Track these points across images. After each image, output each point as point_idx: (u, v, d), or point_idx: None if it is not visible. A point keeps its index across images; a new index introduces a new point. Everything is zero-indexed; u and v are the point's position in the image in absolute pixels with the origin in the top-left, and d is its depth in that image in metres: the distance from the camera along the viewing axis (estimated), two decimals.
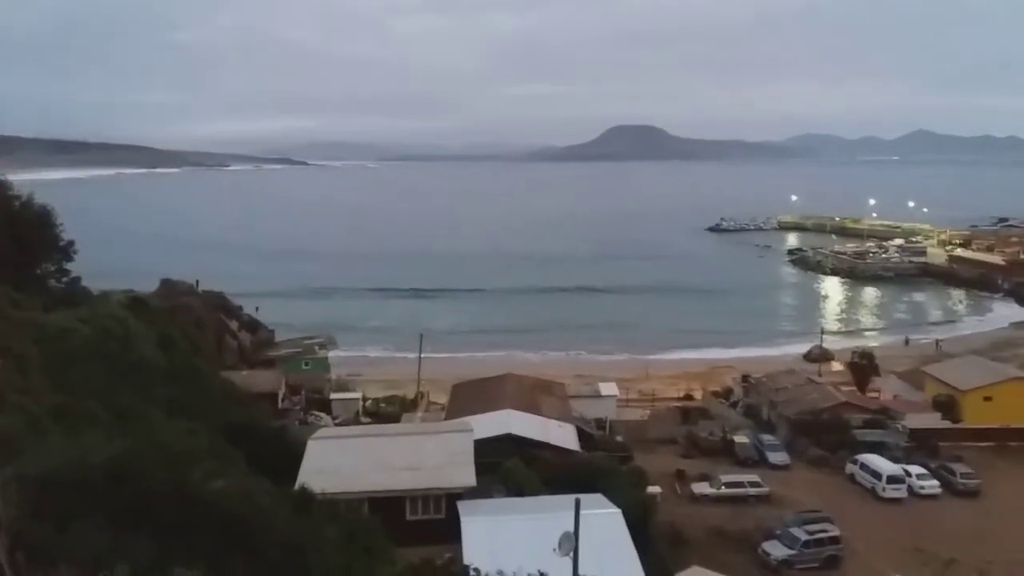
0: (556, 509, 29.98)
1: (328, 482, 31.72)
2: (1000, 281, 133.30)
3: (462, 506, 33.47)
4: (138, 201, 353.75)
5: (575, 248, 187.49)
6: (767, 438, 54.43)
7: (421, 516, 34.49)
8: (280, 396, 59.20)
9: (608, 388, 61.48)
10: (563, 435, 45.76)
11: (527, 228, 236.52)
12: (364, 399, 63.33)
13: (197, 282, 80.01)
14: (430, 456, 36.42)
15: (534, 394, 52.43)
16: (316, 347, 73.09)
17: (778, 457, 51.59)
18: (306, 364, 69.87)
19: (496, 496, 35.75)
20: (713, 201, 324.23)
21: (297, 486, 29.15)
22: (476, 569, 22.49)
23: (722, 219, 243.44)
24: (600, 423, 55.66)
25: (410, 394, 63.72)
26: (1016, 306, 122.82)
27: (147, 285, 70.71)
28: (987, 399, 57.46)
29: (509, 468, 37.98)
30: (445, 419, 49.29)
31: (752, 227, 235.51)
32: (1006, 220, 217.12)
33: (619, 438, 53.51)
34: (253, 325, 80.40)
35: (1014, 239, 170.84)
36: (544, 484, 36.96)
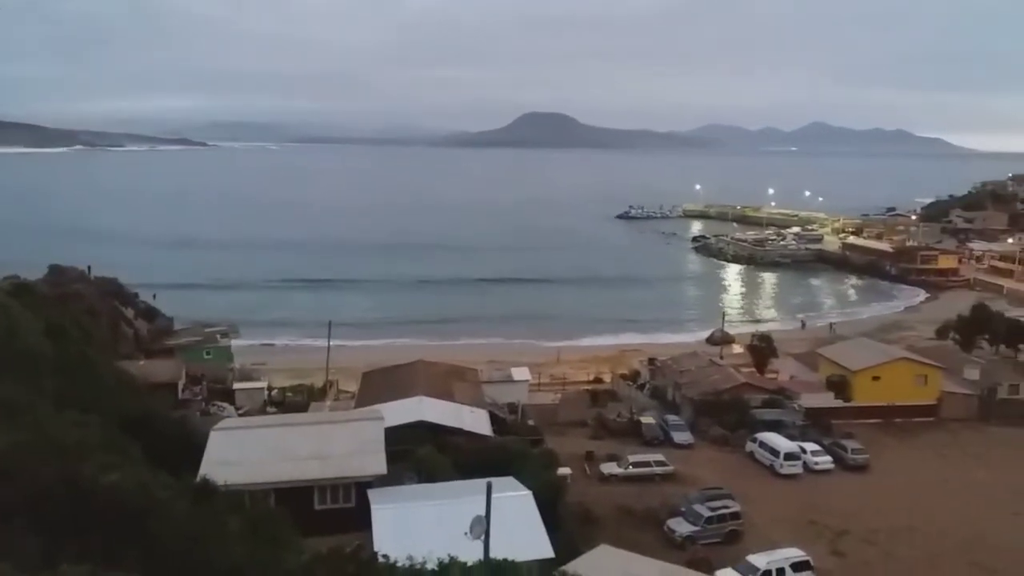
0: (468, 494, 30.10)
1: (232, 473, 30.73)
2: (888, 267, 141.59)
3: (373, 494, 33.13)
4: (23, 183, 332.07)
5: (488, 236, 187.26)
6: (672, 418, 56.12)
7: (330, 505, 33.94)
8: (180, 386, 56.85)
9: (520, 373, 61.88)
10: (476, 420, 45.81)
11: (439, 215, 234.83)
12: (270, 388, 61.55)
13: (89, 268, 75.77)
14: (339, 445, 35.81)
15: (446, 380, 52.24)
16: (218, 336, 70.47)
17: (682, 437, 53.29)
18: (207, 353, 67.29)
19: (408, 483, 35.50)
20: (622, 189, 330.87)
21: (198, 478, 28.15)
22: (385, 555, 22.31)
23: (631, 207, 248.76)
24: (512, 408, 55.99)
25: (318, 383, 62.36)
26: (903, 290, 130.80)
27: (33, 273, 66.40)
28: (875, 378, 60.85)
29: (421, 455, 37.76)
30: (355, 407, 48.53)
31: (659, 215, 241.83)
32: (893, 209, 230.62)
33: (531, 422, 54.00)
34: (150, 313, 76.87)
35: (900, 227, 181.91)
36: (457, 469, 36.92)
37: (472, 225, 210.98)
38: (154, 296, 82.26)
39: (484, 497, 24.42)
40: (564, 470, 43.18)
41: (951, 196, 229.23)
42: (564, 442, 51.31)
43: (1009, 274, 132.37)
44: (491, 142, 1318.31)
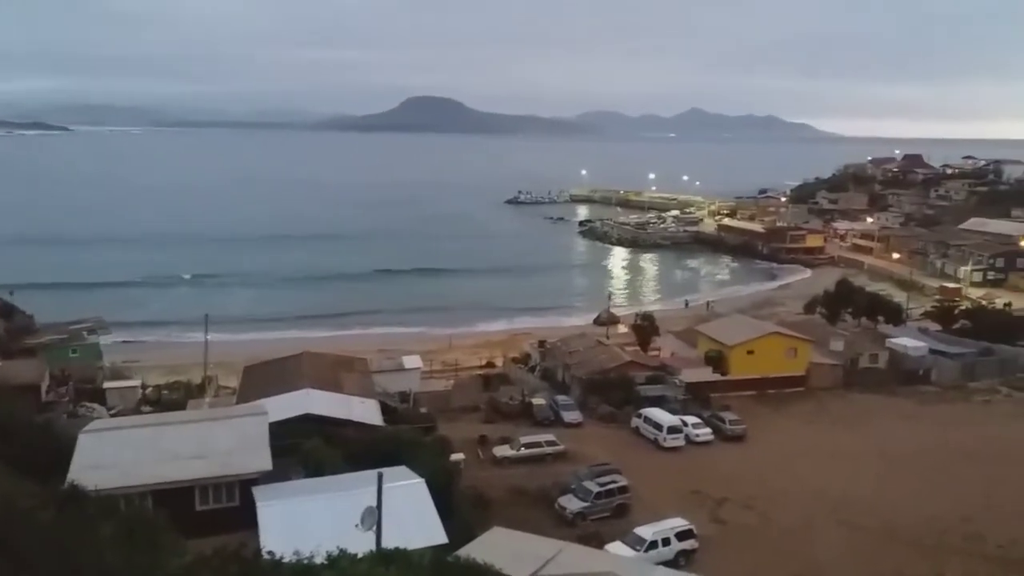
0: (358, 485, 29.63)
1: (104, 477, 29.03)
2: (760, 247, 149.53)
3: (258, 491, 32.02)
4: None
5: (377, 224, 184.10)
6: (562, 398, 57.24)
7: (213, 505, 32.54)
8: (44, 388, 52.97)
9: (411, 361, 61.39)
10: (365, 411, 45.05)
11: (324, 204, 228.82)
12: (144, 387, 58.26)
13: None
14: (220, 442, 34.34)
15: (334, 371, 51.06)
16: (84, 333, 65.96)
17: (572, 416, 54.47)
18: (74, 351, 62.87)
19: (295, 478, 34.52)
20: (510, 175, 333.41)
21: (66, 484, 26.40)
22: (271, 552, 21.63)
23: (520, 192, 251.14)
24: (404, 396, 55.54)
25: (196, 379, 59.58)
26: (775, 268, 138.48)
27: None
28: (750, 352, 64.05)
29: (308, 448, 36.76)
30: (237, 403, 46.63)
31: (547, 200, 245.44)
32: (765, 192, 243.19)
33: (423, 409, 53.70)
34: (7, 311, 71.06)
35: (771, 208, 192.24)
36: (346, 461, 36.20)
37: (360, 213, 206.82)
38: (11, 293, 76.09)
39: (375, 488, 24.12)
40: (457, 455, 43.25)
41: (817, 179, 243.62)
42: (457, 428, 51.39)
43: (869, 251, 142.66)
44: (377, 126, 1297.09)
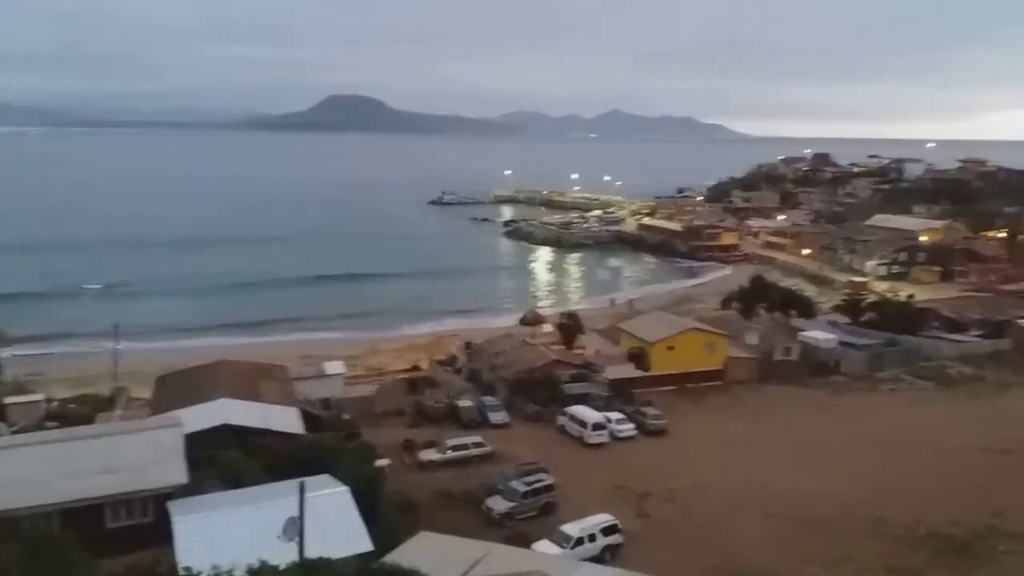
0: (279, 496, 28.95)
1: (5, 497, 27.52)
2: (679, 245, 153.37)
3: (173, 506, 30.88)
4: None
5: (296, 227, 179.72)
6: (488, 399, 57.31)
7: (125, 522, 31.20)
8: None
9: (334, 367, 60.35)
10: (286, 419, 43.99)
11: (241, 206, 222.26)
12: (49, 401, 55.33)
13: None
14: (132, 456, 32.93)
15: (252, 379, 49.64)
16: None
17: (498, 416, 54.60)
18: None
19: (213, 491, 33.43)
20: (434, 175, 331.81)
21: None
22: (187, 568, 20.92)
23: (444, 193, 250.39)
24: (327, 403, 54.57)
25: (106, 391, 57.01)
26: (692, 266, 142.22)
27: None
28: (670, 348, 65.63)
29: (226, 460, 35.69)
30: (150, 415, 44.85)
31: (471, 200, 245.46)
32: (683, 191, 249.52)
33: (346, 416, 52.85)
34: None
35: (689, 208, 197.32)
36: (267, 472, 35.27)
37: (279, 216, 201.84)
38: None
39: (297, 497, 23.63)
40: (382, 461, 42.72)
41: (731, 178, 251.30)
42: (382, 433, 50.80)
43: (781, 248, 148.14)
44: (295, 125, 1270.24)
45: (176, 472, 32.37)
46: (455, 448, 47.01)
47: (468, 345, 72.56)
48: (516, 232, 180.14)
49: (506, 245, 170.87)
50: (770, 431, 54.72)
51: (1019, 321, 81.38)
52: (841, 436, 53.45)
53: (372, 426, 52.29)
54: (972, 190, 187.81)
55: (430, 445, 48.29)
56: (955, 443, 52.16)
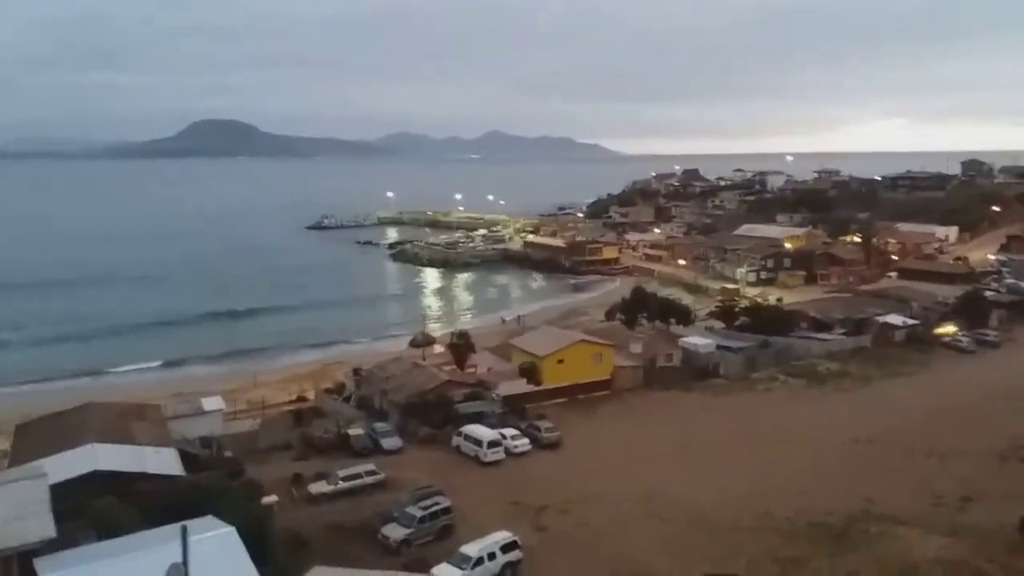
0: (160, 542, 27.16)
1: None
2: (563, 261, 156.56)
3: (40, 563, 28.30)
4: None
5: (165, 259, 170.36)
6: (380, 425, 56.09)
7: None
8: None
9: (212, 403, 57.41)
10: (162, 461, 41.40)
11: (106, 240, 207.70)
12: None
13: None
14: None
15: (124, 421, 46.51)
16: None
17: (391, 442, 53.51)
18: None
19: (85, 543, 30.95)
20: (312, 199, 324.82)
21: None
22: None
23: (324, 217, 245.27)
24: (206, 441, 51.82)
25: None
26: (576, 280, 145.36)
27: None
28: (560, 361, 66.50)
29: (99, 508, 33.18)
30: (9, 466, 41.12)
31: (353, 224, 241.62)
32: (564, 208, 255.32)
33: (228, 453, 50.36)
34: None
35: (570, 224, 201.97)
36: (145, 518, 33.00)
37: (148, 248, 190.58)
38: None
39: (179, 543, 22.25)
40: (270, 498, 40.88)
41: (609, 195, 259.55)
42: (268, 469, 48.70)
43: (659, 260, 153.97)
44: (161, 152, 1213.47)
45: (41, 526, 29.66)
46: (347, 478, 45.62)
47: (356, 371, 70.89)
48: (402, 254, 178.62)
49: (392, 268, 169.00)
50: (658, 436, 56.32)
51: (876, 318, 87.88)
52: (724, 436, 55.72)
53: (257, 462, 50.04)
54: (828, 198, 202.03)
55: (320, 477, 46.64)
56: (827, 436, 55.50)
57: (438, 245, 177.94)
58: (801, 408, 63.54)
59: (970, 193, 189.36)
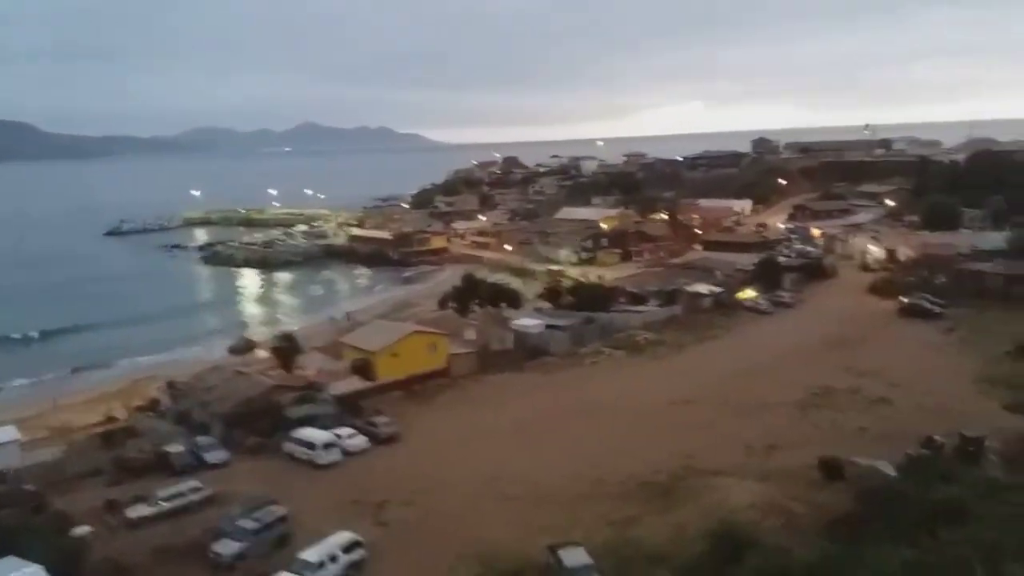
0: None
1: None
2: (391, 253, 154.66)
3: None
4: None
5: None
6: (203, 440, 52.52)
7: None
8: None
9: (4, 433, 51.29)
10: None
11: None
12: None
13: None
14: None
15: None
16: None
17: (216, 456, 50.28)
18: None
19: None
20: (108, 203, 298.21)
21: None
22: None
23: (122, 221, 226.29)
24: (2, 476, 46.18)
25: None
26: (406, 272, 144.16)
27: None
28: (394, 355, 65.54)
29: None
30: None
31: (157, 227, 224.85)
32: (389, 200, 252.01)
33: (29, 486, 45.17)
34: None
35: (396, 215, 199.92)
36: None
37: None
38: None
39: None
40: (82, 529, 37.21)
41: (433, 184, 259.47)
42: (78, 498, 44.24)
43: (486, 246, 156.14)
44: None
45: None
46: (169, 498, 42.33)
47: (172, 385, 65.94)
48: (215, 256, 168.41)
49: (205, 271, 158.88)
50: (497, 418, 57.08)
51: (685, 288, 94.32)
52: (558, 411, 57.51)
53: (64, 492, 45.33)
54: (637, 180, 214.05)
55: (139, 500, 42.98)
56: (649, 401, 58.82)
57: (254, 244, 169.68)
58: (625, 377, 66.87)
59: (760, 169, 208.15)
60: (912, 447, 43.10)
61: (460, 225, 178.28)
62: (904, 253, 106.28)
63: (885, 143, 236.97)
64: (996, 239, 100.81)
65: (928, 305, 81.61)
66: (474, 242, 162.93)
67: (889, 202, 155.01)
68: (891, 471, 40.03)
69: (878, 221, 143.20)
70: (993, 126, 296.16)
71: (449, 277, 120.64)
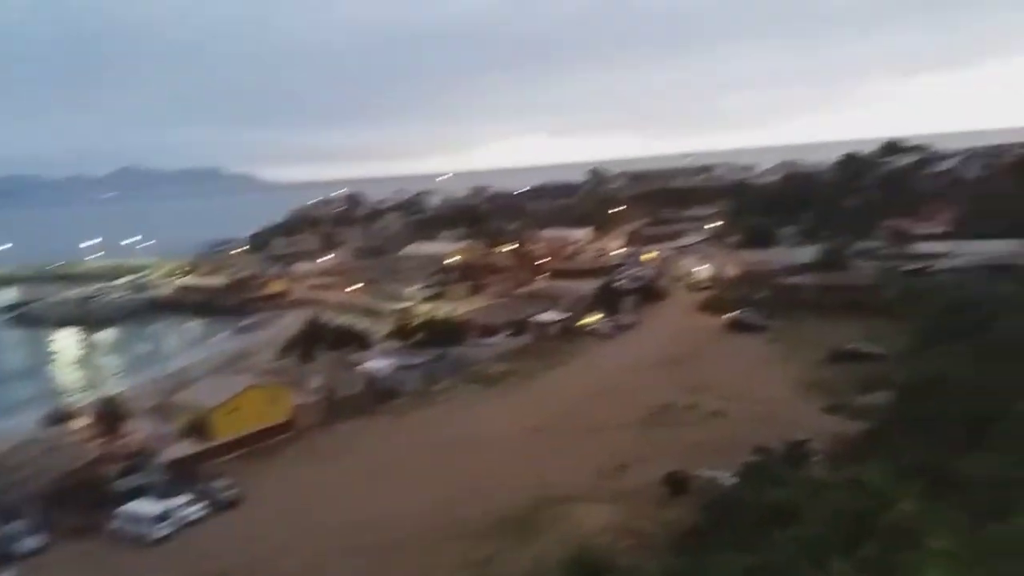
0: None
1: None
2: (227, 301, 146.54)
3: None
4: None
5: None
6: (13, 526, 46.76)
7: None
8: None
9: None
10: None
11: None
12: None
13: None
14: None
15: None
16: None
17: (30, 543, 44.92)
18: None
19: None
20: None
21: None
22: None
23: None
24: None
25: None
26: (243, 320, 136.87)
27: None
28: (232, 411, 61.64)
29: None
30: None
31: None
32: (223, 244, 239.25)
33: None
34: None
35: (232, 261, 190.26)
36: None
37: None
38: None
39: None
40: None
41: (272, 226, 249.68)
42: None
43: (331, 288, 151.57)
44: None
45: None
46: None
47: None
48: (24, 317, 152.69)
49: (13, 335, 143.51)
50: (348, 467, 55.02)
51: (533, 318, 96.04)
52: (412, 453, 56.26)
53: None
54: (482, 213, 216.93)
55: None
56: (503, 432, 58.90)
57: (70, 301, 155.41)
58: (479, 411, 66.67)
59: (596, 198, 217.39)
60: (747, 456, 45.62)
61: (302, 267, 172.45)
62: (729, 272, 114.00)
63: (706, 169, 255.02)
64: (808, 254, 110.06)
65: (753, 319, 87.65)
66: (318, 284, 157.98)
67: (713, 224, 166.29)
68: (730, 480, 42.10)
69: (705, 243, 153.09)
70: (801, 149, 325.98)
71: (291, 323, 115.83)
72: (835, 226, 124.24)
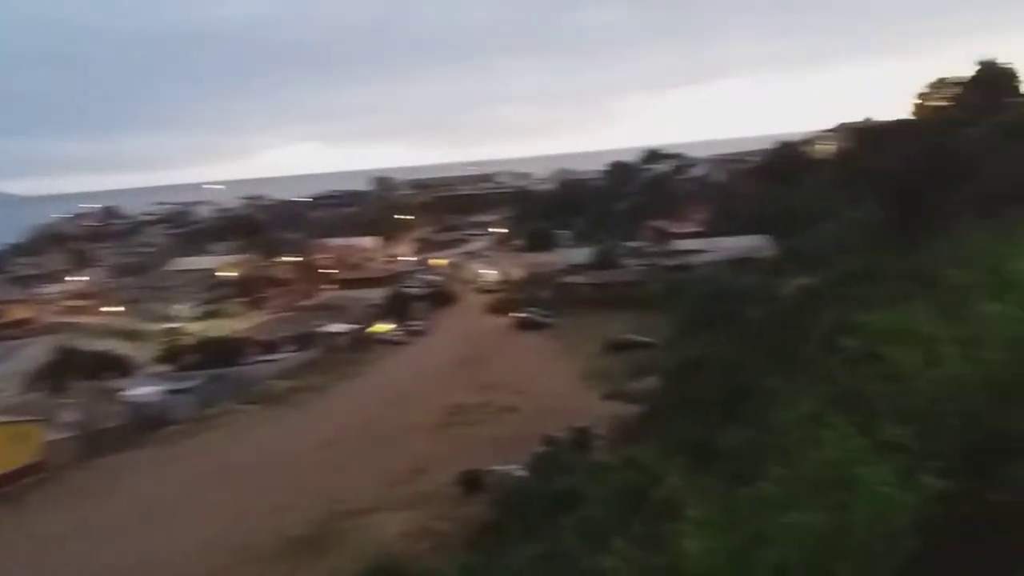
0: None
1: None
2: None
3: None
4: None
5: None
6: None
7: None
8: None
9: None
10: None
11: None
12: None
13: None
14: None
15: None
16: None
17: None
18: None
19: None
20: None
21: None
22: None
23: None
24: None
25: None
26: None
27: None
28: None
29: None
30: None
31: None
32: None
33: None
34: None
35: None
36: None
37: None
38: None
39: None
40: None
41: (10, 245, 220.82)
42: None
43: (85, 311, 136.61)
44: None
45: None
46: None
47: None
48: None
49: None
50: (114, 509, 49.42)
51: (320, 329, 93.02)
52: (186, 484, 51.84)
53: None
54: (258, 223, 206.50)
55: None
56: (291, 450, 56.21)
57: None
58: (264, 431, 63.14)
59: (383, 206, 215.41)
60: (537, 447, 47.20)
61: (49, 289, 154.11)
62: (514, 274, 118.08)
63: (487, 177, 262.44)
64: (584, 254, 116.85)
65: (537, 318, 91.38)
66: (69, 307, 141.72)
67: (498, 230, 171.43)
68: (522, 473, 43.26)
69: (490, 247, 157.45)
70: (573, 158, 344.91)
71: (39, 352, 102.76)
72: (606, 228, 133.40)
